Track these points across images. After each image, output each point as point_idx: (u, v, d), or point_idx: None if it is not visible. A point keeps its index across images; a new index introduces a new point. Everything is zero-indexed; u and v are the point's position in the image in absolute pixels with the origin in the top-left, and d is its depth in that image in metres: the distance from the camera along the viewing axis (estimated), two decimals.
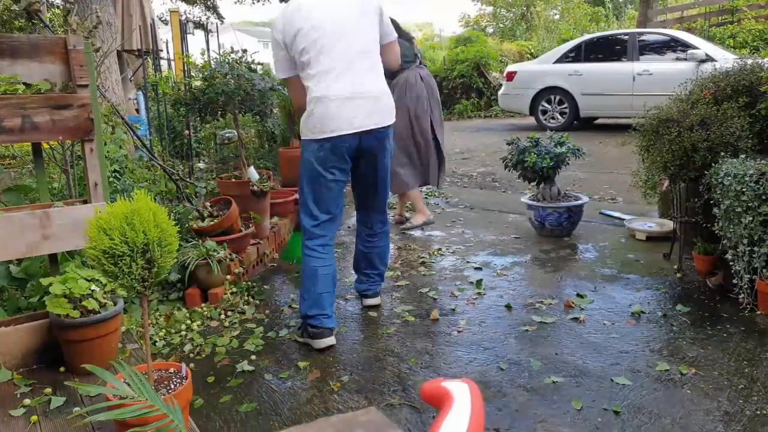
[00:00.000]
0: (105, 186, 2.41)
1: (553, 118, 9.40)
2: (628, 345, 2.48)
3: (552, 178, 4.02)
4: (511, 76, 9.90)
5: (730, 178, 2.68)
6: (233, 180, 3.86)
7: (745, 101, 3.17)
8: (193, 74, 5.77)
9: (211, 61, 5.38)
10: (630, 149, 3.80)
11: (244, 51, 4.13)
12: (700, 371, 2.24)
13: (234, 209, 3.52)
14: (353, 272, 3.12)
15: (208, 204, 3.67)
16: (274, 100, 4.06)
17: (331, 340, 2.58)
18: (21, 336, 2.17)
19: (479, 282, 3.25)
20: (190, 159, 5.22)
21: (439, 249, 3.92)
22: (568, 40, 11.16)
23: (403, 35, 3.98)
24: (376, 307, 2.99)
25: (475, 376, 2.28)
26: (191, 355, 2.58)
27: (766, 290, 2.62)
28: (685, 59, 7.99)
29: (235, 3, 13.59)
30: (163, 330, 2.78)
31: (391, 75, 3.80)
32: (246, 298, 3.17)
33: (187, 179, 4.23)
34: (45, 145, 2.96)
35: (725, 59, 6.98)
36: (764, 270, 2.62)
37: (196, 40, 10.79)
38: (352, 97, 2.50)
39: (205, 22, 11.58)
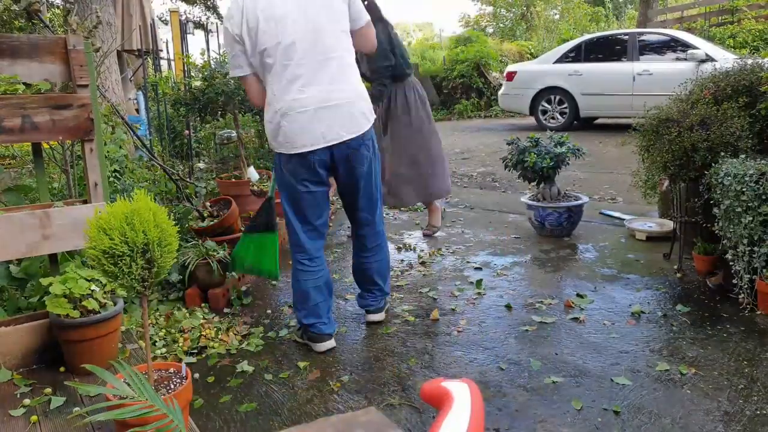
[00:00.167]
0: (105, 186, 2.41)
1: (553, 118, 9.40)
2: (628, 345, 2.47)
3: (552, 178, 4.02)
4: (511, 76, 9.90)
5: (730, 178, 2.68)
6: (233, 180, 3.86)
7: (745, 101, 3.17)
8: (193, 74, 5.78)
9: (211, 61, 5.39)
10: (630, 149, 3.79)
11: None
12: (700, 371, 2.24)
13: (234, 209, 3.52)
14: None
15: (208, 204, 3.68)
16: None
17: (330, 344, 2.57)
18: (21, 336, 2.17)
19: (479, 282, 3.25)
20: (190, 159, 5.22)
21: (439, 249, 3.92)
22: (568, 40, 11.15)
23: (384, 22, 3.58)
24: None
25: (475, 376, 2.28)
26: (191, 355, 2.58)
27: (766, 290, 2.62)
28: (685, 59, 7.99)
29: None
30: (163, 330, 2.78)
31: (394, 79, 3.75)
32: (246, 298, 3.17)
33: (187, 179, 4.23)
34: (45, 145, 2.96)
35: (725, 59, 6.98)
36: (764, 270, 2.62)
37: (196, 40, 10.84)
38: (321, 107, 2.31)
39: (205, 22, 11.60)
